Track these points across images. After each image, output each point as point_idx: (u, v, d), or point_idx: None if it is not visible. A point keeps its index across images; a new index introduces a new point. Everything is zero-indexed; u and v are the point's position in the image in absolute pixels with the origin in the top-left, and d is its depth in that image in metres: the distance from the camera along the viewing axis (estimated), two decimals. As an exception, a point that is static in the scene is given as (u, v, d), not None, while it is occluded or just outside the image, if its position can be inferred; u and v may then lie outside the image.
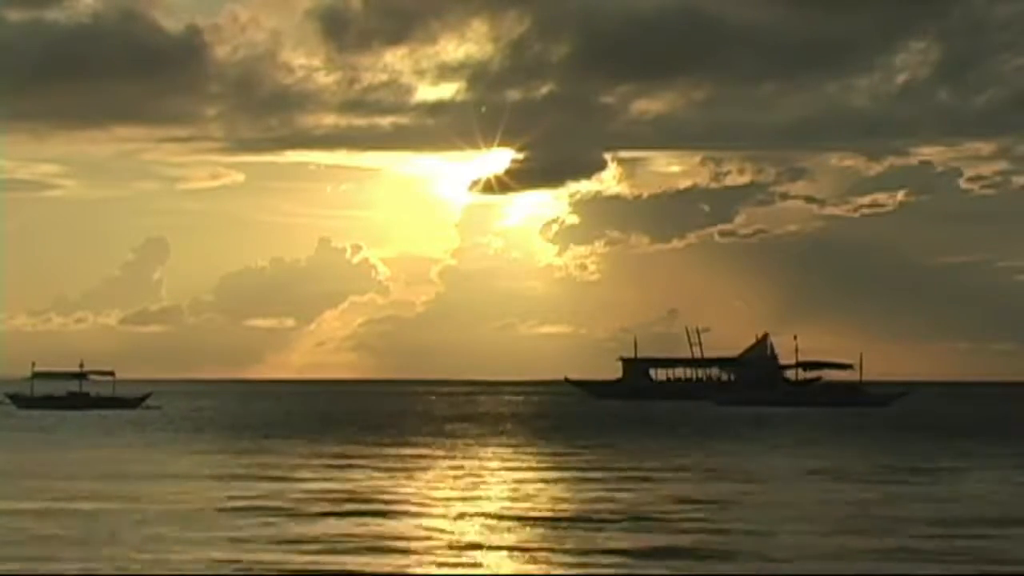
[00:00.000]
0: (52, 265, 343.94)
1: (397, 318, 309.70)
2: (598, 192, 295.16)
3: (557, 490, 41.96)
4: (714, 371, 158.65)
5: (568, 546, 28.47)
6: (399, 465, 52.65)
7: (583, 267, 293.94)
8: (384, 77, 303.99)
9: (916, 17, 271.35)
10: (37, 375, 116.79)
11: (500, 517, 33.87)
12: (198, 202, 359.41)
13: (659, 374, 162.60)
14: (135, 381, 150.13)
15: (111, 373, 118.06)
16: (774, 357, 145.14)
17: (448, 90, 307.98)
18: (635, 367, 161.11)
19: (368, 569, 25.50)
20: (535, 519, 33.47)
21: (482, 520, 33.25)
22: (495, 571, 25.66)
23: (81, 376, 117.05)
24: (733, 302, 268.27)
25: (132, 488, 41.15)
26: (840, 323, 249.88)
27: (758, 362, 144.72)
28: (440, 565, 26.02)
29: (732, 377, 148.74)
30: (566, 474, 48.55)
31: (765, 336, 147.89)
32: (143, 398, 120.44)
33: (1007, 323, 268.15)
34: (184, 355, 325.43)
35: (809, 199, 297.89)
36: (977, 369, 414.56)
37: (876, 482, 45.53)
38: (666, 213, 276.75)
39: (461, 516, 34.16)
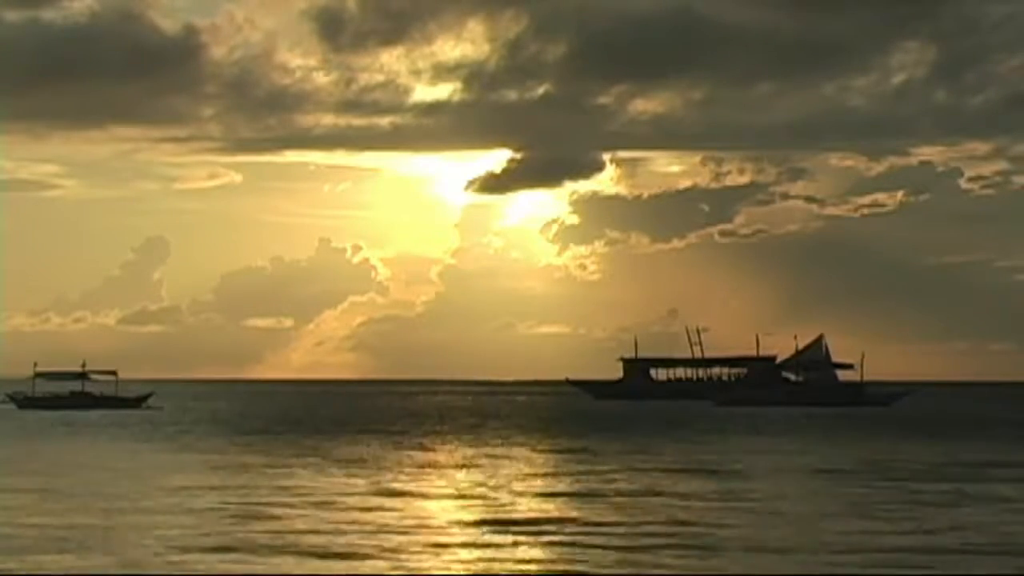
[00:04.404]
0: (52, 265, 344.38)
1: (397, 318, 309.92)
2: (597, 192, 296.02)
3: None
4: (716, 371, 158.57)
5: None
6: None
7: (583, 267, 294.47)
8: (381, 77, 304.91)
9: (910, 18, 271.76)
10: (39, 375, 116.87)
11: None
12: (197, 202, 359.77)
13: (660, 374, 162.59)
14: (134, 381, 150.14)
15: (113, 373, 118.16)
16: (829, 358, 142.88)
17: (445, 90, 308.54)
18: (636, 367, 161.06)
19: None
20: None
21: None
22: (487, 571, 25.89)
23: (83, 376, 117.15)
24: (733, 302, 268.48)
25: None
26: (840, 323, 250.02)
27: (815, 364, 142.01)
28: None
29: (798, 380, 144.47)
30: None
31: (820, 337, 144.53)
32: (145, 397, 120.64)
33: (1007, 323, 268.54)
34: (183, 355, 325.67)
35: (809, 199, 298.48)
36: (977, 369, 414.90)
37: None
38: (666, 213, 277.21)
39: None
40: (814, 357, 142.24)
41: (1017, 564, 26.86)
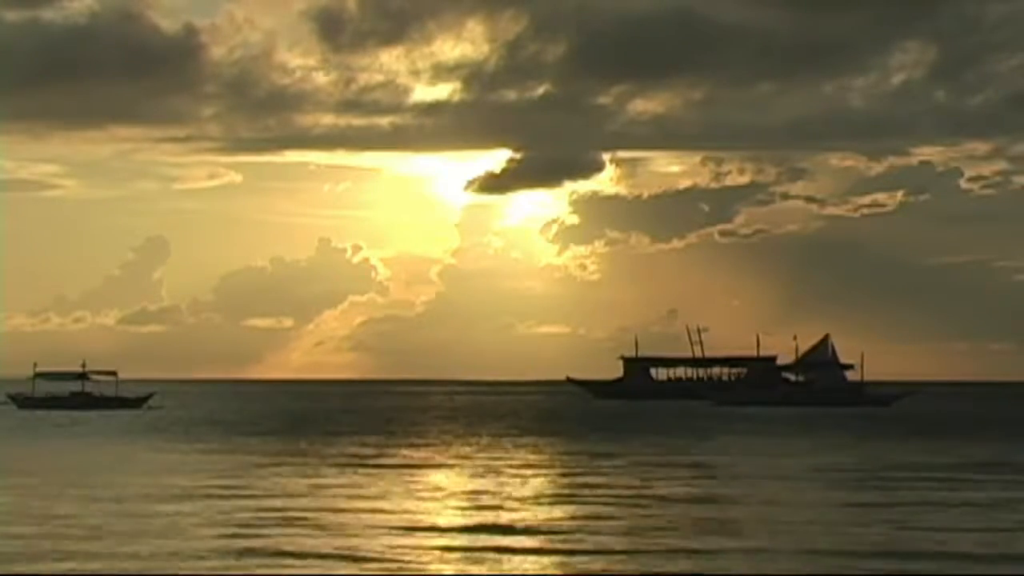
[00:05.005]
0: (52, 265, 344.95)
1: (397, 318, 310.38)
2: (597, 192, 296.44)
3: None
4: (716, 371, 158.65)
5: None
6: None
7: (583, 267, 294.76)
8: (380, 77, 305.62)
9: (910, 18, 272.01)
10: (38, 375, 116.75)
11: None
12: (197, 202, 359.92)
13: (660, 374, 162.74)
14: (134, 381, 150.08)
15: (113, 373, 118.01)
16: (836, 359, 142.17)
17: (445, 90, 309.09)
18: (636, 366, 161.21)
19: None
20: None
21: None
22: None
23: (83, 376, 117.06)
24: (733, 302, 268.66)
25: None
26: (840, 323, 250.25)
27: (821, 364, 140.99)
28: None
29: (799, 380, 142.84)
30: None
31: (826, 337, 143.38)
32: (146, 398, 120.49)
33: (1007, 323, 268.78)
34: (183, 355, 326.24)
35: (809, 199, 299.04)
36: (976, 369, 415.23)
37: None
38: (666, 213, 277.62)
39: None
40: (820, 358, 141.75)
41: (1015, 569, 26.93)
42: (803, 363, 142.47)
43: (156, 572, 25.41)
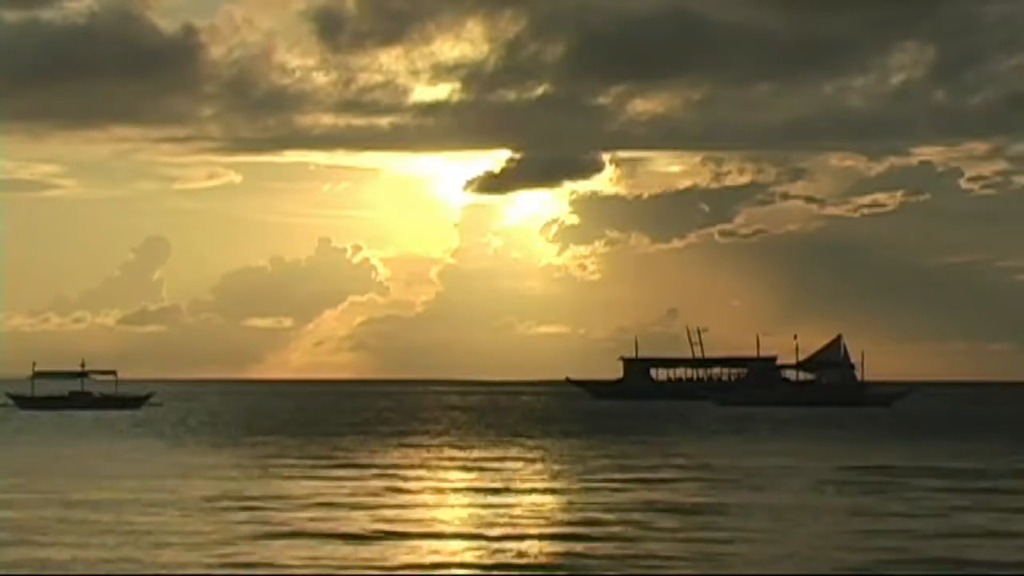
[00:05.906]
0: (52, 265, 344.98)
1: (397, 318, 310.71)
2: (596, 192, 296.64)
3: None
4: (716, 371, 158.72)
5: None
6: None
7: (583, 267, 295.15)
8: (380, 78, 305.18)
9: (909, 18, 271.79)
10: (38, 375, 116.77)
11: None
12: (196, 202, 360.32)
13: (660, 374, 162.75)
14: (133, 381, 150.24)
15: (113, 373, 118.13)
16: (847, 359, 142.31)
17: (444, 90, 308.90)
18: (636, 367, 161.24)
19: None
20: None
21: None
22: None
23: (82, 376, 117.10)
24: (733, 302, 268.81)
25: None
26: (840, 323, 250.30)
27: (833, 364, 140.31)
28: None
29: (804, 379, 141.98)
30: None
31: (838, 337, 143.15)
32: (146, 397, 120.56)
33: (1007, 323, 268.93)
34: (183, 355, 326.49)
35: (809, 199, 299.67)
36: (976, 369, 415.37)
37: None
38: (666, 213, 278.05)
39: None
40: (833, 357, 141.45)
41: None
42: (815, 362, 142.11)
43: (148, 571, 25.43)
